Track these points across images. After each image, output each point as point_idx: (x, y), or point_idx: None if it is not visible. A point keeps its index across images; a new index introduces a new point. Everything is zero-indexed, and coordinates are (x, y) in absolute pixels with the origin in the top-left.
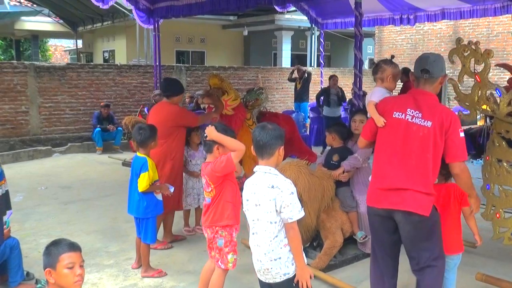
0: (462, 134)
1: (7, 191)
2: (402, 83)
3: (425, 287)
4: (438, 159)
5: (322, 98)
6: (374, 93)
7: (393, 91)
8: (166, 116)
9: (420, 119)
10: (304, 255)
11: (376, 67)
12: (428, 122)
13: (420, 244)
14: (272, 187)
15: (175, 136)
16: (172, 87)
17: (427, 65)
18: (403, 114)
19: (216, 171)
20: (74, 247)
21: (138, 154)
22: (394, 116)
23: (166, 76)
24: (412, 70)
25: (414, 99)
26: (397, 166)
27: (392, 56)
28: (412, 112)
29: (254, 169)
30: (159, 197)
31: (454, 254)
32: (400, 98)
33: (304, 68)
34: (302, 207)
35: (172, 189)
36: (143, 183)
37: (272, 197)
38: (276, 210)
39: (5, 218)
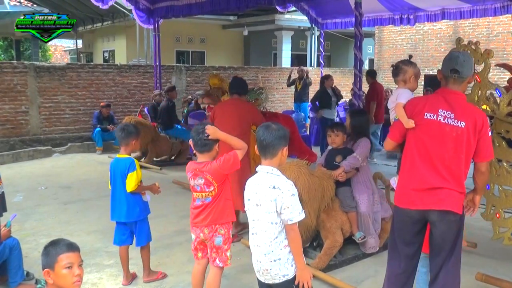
0: (490, 133)
1: (3, 193)
2: (368, 85)
3: (445, 285)
4: (469, 158)
5: (317, 101)
6: (401, 95)
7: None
8: (248, 112)
9: (453, 119)
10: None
11: (397, 69)
12: (462, 122)
13: (450, 243)
14: (274, 187)
15: (250, 131)
16: (244, 86)
17: (457, 65)
18: (435, 115)
19: (224, 169)
20: (72, 247)
21: (118, 156)
22: (425, 117)
23: (236, 75)
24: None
25: (444, 99)
26: (431, 167)
27: (410, 56)
28: (444, 113)
29: (257, 169)
30: (145, 198)
31: None
32: (430, 98)
33: (305, 68)
34: (302, 208)
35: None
36: (131, 182)
37: (272, 197)
38: (277, 211)
39: (8, 219)
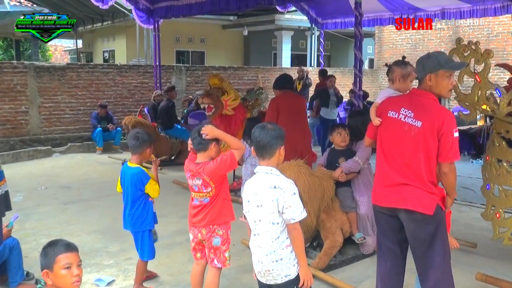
0: (456, 135)
1: (6, 192)
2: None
3: (436, 285)
4: (431, 158)
5: (315, 100)
6: (380, 94)
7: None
8: (304, 105)
9: (412, 118)
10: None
11: (388, 69)
12: (419, 122)
13: (425, 243)
14: (274, 187)
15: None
16: (293, 81)
17: (415, 65)
18: (397, 114)
19: (221, 169)
20: (70, 247)
21: (129, 164)
22: (389, 115)
23: (284, 73)
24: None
25: (409, 98)
26: (394, 164)
27: (404, 57)
28: (405, 112)
29: (255, 170)
30: (153, 209)
31: None
32: (397, 98)
33: (306, 69)
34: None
35: None
36: (155, 190)
37: (274, 197)
38: (279, 211)
39: (10, 220)
